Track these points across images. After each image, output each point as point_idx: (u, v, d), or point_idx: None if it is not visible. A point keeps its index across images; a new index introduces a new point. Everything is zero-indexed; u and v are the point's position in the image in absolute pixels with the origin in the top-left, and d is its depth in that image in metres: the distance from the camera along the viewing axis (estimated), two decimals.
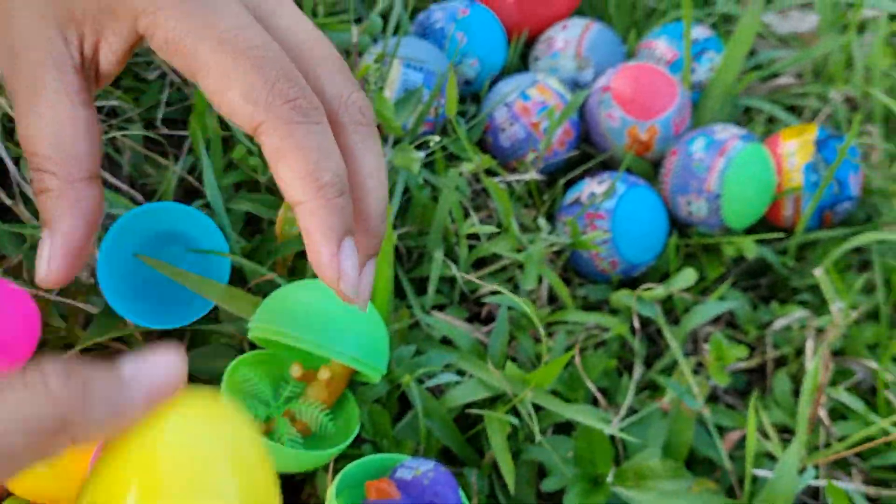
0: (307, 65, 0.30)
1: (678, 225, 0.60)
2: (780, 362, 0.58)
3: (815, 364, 0.48)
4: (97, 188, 0.31)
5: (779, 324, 0.55)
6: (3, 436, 0.19)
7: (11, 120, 0.56)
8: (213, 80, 0.28)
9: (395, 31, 0.62)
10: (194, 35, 0.27)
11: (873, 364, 0.52)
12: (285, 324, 0.42)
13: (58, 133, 0.29)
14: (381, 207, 0.31)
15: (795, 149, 0.58)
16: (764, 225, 0.61)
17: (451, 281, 0.56)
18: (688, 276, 0.53)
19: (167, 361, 0.22)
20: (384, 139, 0.56)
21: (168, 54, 0.28)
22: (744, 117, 0.69)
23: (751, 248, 0.57)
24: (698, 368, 0.54)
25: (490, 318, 0.56)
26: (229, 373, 0.44)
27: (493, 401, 0.49)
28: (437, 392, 0.49)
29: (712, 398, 0.57)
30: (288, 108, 0.27)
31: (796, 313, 0.55)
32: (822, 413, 0.50)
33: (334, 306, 0.44)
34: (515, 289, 0.56)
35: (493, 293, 0.54)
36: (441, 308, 0.57)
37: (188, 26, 0.27)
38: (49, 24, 0.29)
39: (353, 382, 0.47)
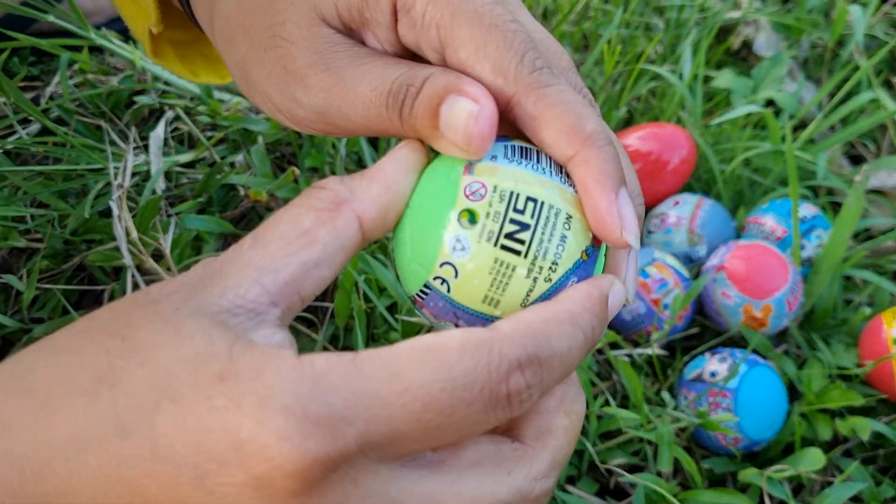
0: (548, 57, 0.30)
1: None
2: None
3: None
4: None
5: None
6: None
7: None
8: (465, 52, 0.27)
9: None
10: (453, 8, 0.27)
11: None
12: None
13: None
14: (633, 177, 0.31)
15: None
16: (882, 402, 0.63)
17: (579, 452, 0.59)
18: (815, 459, 0.55)
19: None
20: None
21: (422, 27, 0.28)
22: (845, 286, 0.72)
23: (865, 429, 0.58)
24: None
25: (619, 490, 0.59)
26: None
27: None
28: None
29: None
30: (537, 75, 0.26)
31: None
32: None
33: None
34: (643, 460, 0.59)
35: (626, 471, 0.57)
36: (572, 480, 0.59)
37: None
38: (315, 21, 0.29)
39: None
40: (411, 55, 0.29)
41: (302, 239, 0.23)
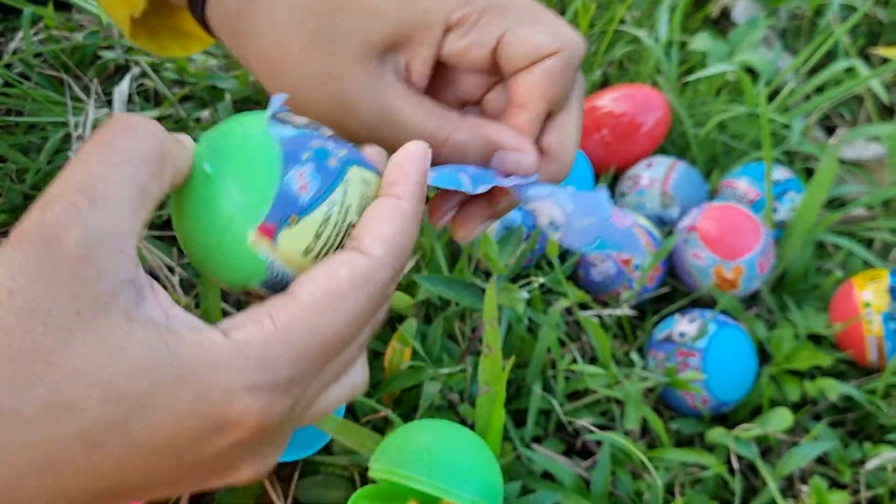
0: None
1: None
2: (876, 502, 0.58)
3: None
4: None
5: (871, 464, 0.56)
6: None
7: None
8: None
9: None
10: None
11: None
12: (407, 466, 0.44)
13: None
14: None
15: (871, 299, 0.60)
16: (852, 367, 0.63)
17: (546, 412, 0.58)
18: (783, 418, 0.54)
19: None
20: (487, 276, 0.59)
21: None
22: (818, 252, 0.72)
23: (833, 390, 0.58)
24: None
25: (585, 450, 0.58)
26: None
27: None
28: None
29: None
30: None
31: (888, 454, 0.56)
32: None
33: (452, 448, 0.46)
34: (610, 420, 0.58)
35: (594, 428, 0.56)
36: (538, 440, 0.59)
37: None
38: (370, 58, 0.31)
39: None
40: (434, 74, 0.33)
41: (142, 197, 0.23)
